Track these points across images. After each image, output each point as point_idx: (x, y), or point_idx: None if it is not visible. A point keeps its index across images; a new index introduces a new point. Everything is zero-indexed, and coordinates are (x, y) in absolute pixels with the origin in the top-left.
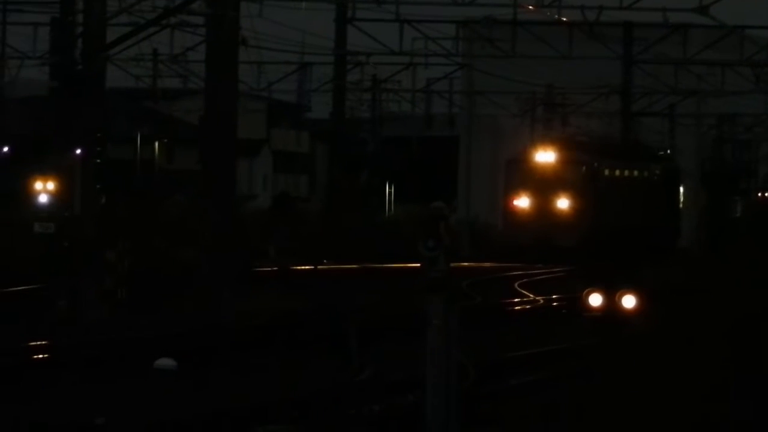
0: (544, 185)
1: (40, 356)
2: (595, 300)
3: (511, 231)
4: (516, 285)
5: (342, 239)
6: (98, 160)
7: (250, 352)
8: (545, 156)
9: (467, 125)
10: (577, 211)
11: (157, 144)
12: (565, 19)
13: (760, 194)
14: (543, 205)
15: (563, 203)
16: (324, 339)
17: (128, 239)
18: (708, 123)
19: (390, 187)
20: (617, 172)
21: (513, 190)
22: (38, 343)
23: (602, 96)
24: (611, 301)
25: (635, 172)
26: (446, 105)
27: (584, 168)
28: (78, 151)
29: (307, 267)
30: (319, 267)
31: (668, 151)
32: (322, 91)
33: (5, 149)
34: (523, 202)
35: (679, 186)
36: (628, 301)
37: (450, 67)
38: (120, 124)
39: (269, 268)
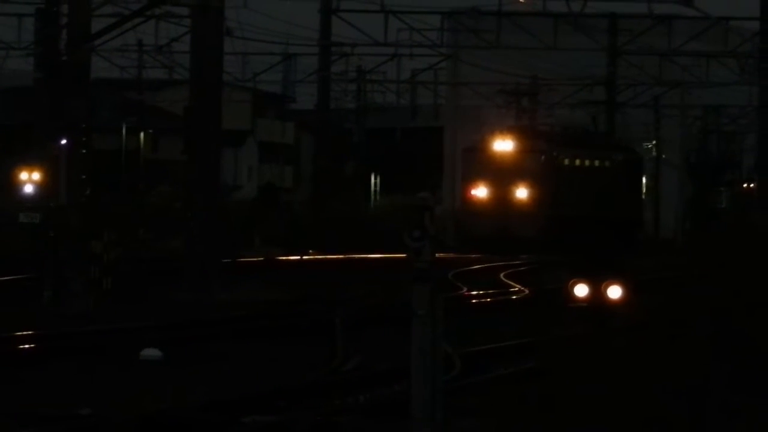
0: (502, 174)
1: (25, 346)
2: (581, 290)
3: (468, 221)
4: (501, 275)
5: (327, 230)
6: (83, 151)
7: (236, 342)
8: (503, 145)
9: (452, 116)
10: (535, 200)
11: (142, 134)
12: (550, 10)
13: (744, 185)
14: (501, 195)
15: (522, 193)
16: (310, 329)
17: (114, 229)
18: (693, 114)
19: (375, 178)
20: (577, 161)
21: (470, 179)
22: (23, 333)
23: (587, 87)
24: (597, 292)
25: (596, 162)
26: (431, 96)
27: (543, 157)
28: (63, 142)
29: (292, 257)
30: (304, 257)
31: (653, 143)
32: (307, 81)
33: None
34: (480, 191)
35: (641, 175)
36: (614, 292)
37: (435, 58)
38: (105, 115)
39: (254, 258)
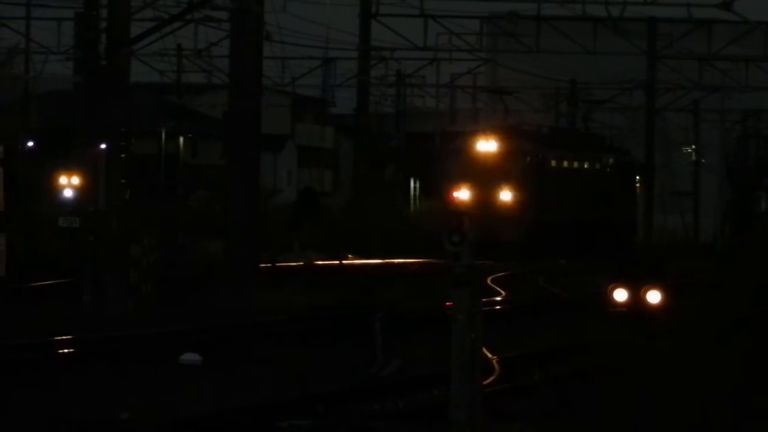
0: (485, 176)
1: (65, 350)
2: (620, 295)
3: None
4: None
5: (366, 234)
6: (122, 155)
7: (274, 346)
8: (487, 145)
9: (491, 120)
10: (520, 203)
11: (181, 139)
12: (589, 14)
13: None
14: (484, 198)
15: (506, 195)
16: (349, 333)
17: (152, 233)
18: (732, 118)
19: (414, 182)
20: (565, 163)
21: (452, 180)
22: (63, 337)
23: (626, 91)
24: (636, 297)
25: (585, 164)
26: (470, 100)
27: (528, 158)
28: (102, 146)
29: (331, 261)
30: (343, 262)
31: (693, 147)
32: (346, 86)
33: (30, 144)
34: (462, 194)
35: (634, 179)
36: (654, 297)
37: (474, 62)
38: (144, 119)
39: (293, 263)
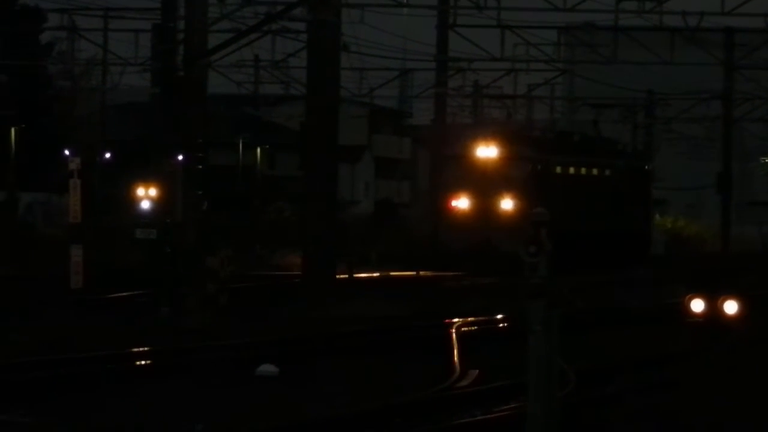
0: (485, 184)
1: (142, 362)
2: (697, 306)
3: (448, 235)
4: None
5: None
6: (200, 166)
7: (351, 357)
8: (486, 151)
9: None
10: (521, 212)
11: (258, 150)
12: (666, 24)
13: None
14: (484, 207)
15: (506, 204)
16: (425, 344)
17: (229, 245)
18: None
19: None
20: (571, 170)
21: (451, 189)
22: (140, 348)
23: (704, 102)
24: (713, 307)
25: (594, 170)
26: (547, 111)
27: (531, 165)
28: (180, 157)
29: (408, 272)
30: (420, 272)
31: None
32: (423, 97)
33: (107, 155)
34: (461, 202)
35: (649, 186)
36: (731, 307)
37: (551, 72)
38: (221, 130)
39: (371, 274)
